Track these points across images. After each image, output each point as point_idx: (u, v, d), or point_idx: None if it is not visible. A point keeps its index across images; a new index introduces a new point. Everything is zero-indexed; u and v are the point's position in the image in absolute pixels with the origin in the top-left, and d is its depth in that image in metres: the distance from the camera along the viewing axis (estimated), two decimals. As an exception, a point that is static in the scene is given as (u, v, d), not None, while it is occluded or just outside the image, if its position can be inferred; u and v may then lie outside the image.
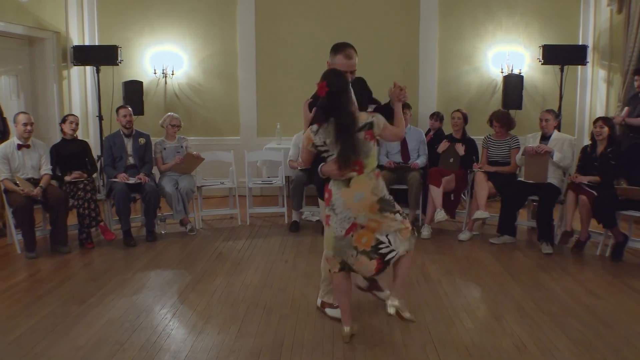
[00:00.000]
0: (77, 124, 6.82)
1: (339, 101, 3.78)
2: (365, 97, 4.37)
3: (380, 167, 7.17)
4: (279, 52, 9.25)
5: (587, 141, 6.62)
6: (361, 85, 4.44)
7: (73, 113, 7.82)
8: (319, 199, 4.44)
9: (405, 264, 4.02)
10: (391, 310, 3.93)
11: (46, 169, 6.48)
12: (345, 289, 4.04)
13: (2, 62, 7.89)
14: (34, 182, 6.34)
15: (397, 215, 3.96)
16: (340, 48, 4.15)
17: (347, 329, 4.04)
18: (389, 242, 3.91)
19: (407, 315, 4.26)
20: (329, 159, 3.87)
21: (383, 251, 3.90)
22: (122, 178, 6.66)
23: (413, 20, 9.21)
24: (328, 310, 4.47)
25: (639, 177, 5.88)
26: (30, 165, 6.40)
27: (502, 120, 6.98)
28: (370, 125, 3.81)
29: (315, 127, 3.89)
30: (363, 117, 3.83)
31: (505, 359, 3.81)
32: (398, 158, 7.33)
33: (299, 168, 7.09)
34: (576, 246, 6.24)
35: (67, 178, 6.54)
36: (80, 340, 4.10)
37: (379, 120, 3.84)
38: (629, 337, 4.13)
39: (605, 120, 6.36)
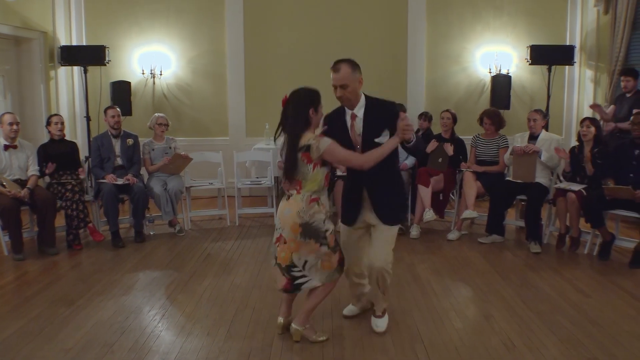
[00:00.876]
0: (62, 124, 6.79)
1: (288, 116, 3.80)
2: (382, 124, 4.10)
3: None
4: (268, 53, 9.24)
5: (574, 141, 6.66)
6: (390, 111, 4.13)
7: (58, 113, 7.79)
8: None
9: (317, 294, 4.02)
10: (294, 335, 4.06)
11: (33, 169, 6.44)
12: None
13: (-12, 62, 7.84)
14: (21, 183, 6.30)
15: (323, 247, 3.86)
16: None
17: (280, 319, 4.20)
18: (303, 267, 3.88)
19: (313, 338, 4.10)
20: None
21: (294, 274, 3.89)
22: (110, 179, 6.63)
23: (401, 21, 9.22)
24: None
25: (626, 176, 5.92)
26: (17, 165, 6.37)
27: (493, 118, 7.02)
28: (306, 148, 3.73)
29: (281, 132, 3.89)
30: (305, 138, 3.75)
31: (494, 357, 3.83)
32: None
33: None
34: (572, 244, 6.29)
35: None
36: (68, 342, 4.08)
37: (322, 144, 3.72)
38: (617, 335, 4.16)
39: (592, 120, 6.41)
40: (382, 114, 4.04)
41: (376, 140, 3.97)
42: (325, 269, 3.91)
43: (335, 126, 4.04)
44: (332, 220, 3.96)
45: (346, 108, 4.05)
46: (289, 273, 3.90)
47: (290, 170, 3.79)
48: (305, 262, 3.87)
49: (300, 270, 3.89)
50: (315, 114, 3.83)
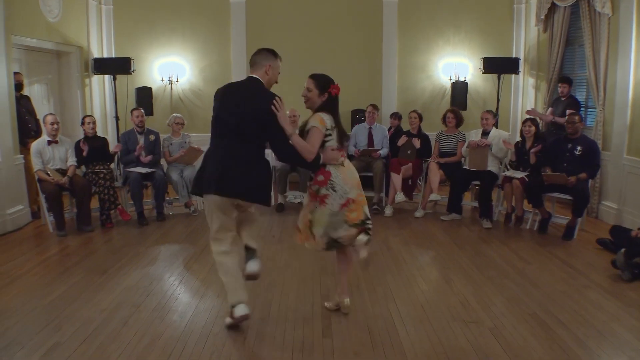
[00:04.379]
0: (94, 123, 6.74)
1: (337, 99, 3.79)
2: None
3: (350, 157, 7.20)
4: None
5: (519, 137, 6.70)
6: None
7: (91, 114, 7.73)
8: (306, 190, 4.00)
9: (349, 260, 3.93)
10: (348, 308, 3.87)
11: (72, 160, 6.40)
12: (339, 266, 3.94)
13: (35, 72, 7.74)
14: (62, 172, 6.26)
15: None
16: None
17: (346, 300, 3.90)
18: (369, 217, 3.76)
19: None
20: (328, 144, 3.63)
21: (367, 225, 3.72)
22: (139, 150, 6.70)
23: (377, 36, 9.17)
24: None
25: (560, 165, 5.97)
26: (58, 157, 6.32)
27: (457, 113, 7.08)
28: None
29: (324, 114, 3.68)
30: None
31: (453, 313, 3.87)
32: (366, 149, 7.37)
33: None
34: (517, 221, 6.35)
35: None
36: (103, 303, 4.09)
37: (311, 121, 3.65)
38: (551, 294, 4.23)
39: (532, 120, 6.47)
40: None
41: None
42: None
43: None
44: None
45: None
46: (364, 225, 3.70)
47: (344, 136, 3.73)
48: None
49: (369, 219, 3.75)
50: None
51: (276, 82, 3.77)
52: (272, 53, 3.75)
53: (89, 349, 3.36)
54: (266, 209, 4.63)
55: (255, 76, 3.65)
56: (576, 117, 6.04)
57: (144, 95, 8.72)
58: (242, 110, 3.51)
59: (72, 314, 3.89)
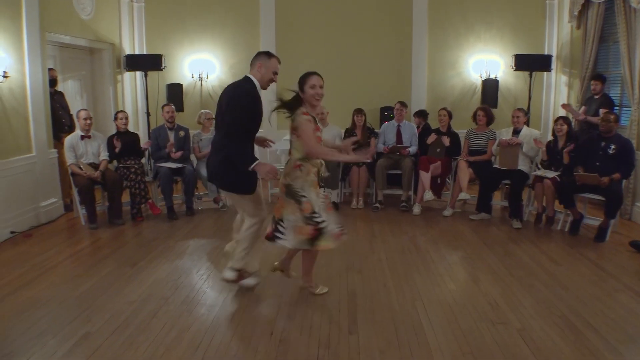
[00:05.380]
0: (126, 119, 6.84)
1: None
2: None
3: (379, 154, 7.16)
4: (295, 58, 9.13)
5: (550, 136, 6.59)
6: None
7: (123, 110, 7.86)
8: None
9: (303, 260, 4.09)
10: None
11: (104, 155, 6.52)
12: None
13: (68, 69, 7.91)
14: (94, 166, 6.38)
15: (299, 214, 3.73)
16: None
17: (276, 263, 4.32)
18: (285, 226, 3.79)
19: (316, 292, 4.16)
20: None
21: (279, 227, 3.82)
22: (169, 147, 6.79)
23: (407, 33, 9.12)
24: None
25: (593, 165, 5.84)
26: (91, 152, 6.44)
27: (487, 111, 6.98)
28: (293, 120, 3.79)
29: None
30: (296, 113, 3.82)
31: (481, 313, 3.83)
32: (393, 149, 7.33)
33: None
34: (548, 222, 6.24)
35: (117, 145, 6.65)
36: (132, 295, 4.16)
37: (298, 118, 3.76)
38: (582, 296, 4.14)
39: (565, 119, 6.34)
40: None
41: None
42: (297, 235, 3.77)
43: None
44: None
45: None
46: (276, 225, 3.83)
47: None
48: (288, 220, 3.79)
49: (283, 227, 3.80)
50: (303, 93, 3.83)
51: (274, 81, 4.03)
52: (266, 53, 4.05)
53: (118, 339, 3.43)
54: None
55: (248, 75, 3.98)
56: (612, 116, 5.88)
57: (175, 92, 8.83)
58: (220, 104, 3.94)
59: (102, 305, 3.96)
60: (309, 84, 3.81)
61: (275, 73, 4.01)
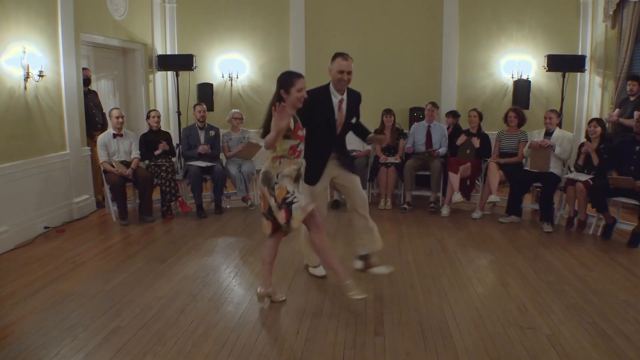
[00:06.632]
0: (159, 117, 6.94)
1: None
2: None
3: (407, 155, 7.09)
4: (325, 59, 9.10)
5: (583, 138, 6.46)
6: (359, 99, 4.38)
7: (155, 109, 7.98)
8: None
9: (317, 252, 4.02)
10: (258, 297, 3.99)
11: (136, 153, 6.62)
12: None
13: (102, 68, 8.07)
14: (126, 164, 6.49)
15: (272, 199, 3.71)
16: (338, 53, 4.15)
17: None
18: (270, 212, 3.75)
19: (275, 298, 4.05)
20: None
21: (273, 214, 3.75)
22: (202, 149, 6.85)
23: (437, 32, 9.05)
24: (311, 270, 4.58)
25: (627, 168, 5.71)
26: (123, 150, 6.56)
27: (519, 112, 6.87)
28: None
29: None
30: None
31: (509, 317, 3.77)
32: (423, 148, 7.27)
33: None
34: (579, 226, 6.13)
35: (157, 152, 6.72)
36: (161, 291, 4.22)
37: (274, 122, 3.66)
38: (613, 302, 4.05)
39: (598, 120, 6.22)
40: (356, 101, 4.23)
41: (352, 122, 4.18)
42: (281, 219, 3.73)
43: (321, 105, 4.07)
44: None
45: (336, 93, 4.10)
46: (270, 215, 3.77)
47: (264, 134, 3.74)
48: (269, 207, 3.75)
49: (274, 215, 3.75)
50: (286, 93, 3.75)
51: (343, 80, 4.11)
52: (333, 56, 4.19)
53: (147, 334, 3.48)
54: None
55: None
56: (647, 118, 5.75)
57: (205, 91, 8.94)
58: None
59: (132, 300, 4.03)
60: (296, 86, 3.74)
61: (341, 72, 4.05)
